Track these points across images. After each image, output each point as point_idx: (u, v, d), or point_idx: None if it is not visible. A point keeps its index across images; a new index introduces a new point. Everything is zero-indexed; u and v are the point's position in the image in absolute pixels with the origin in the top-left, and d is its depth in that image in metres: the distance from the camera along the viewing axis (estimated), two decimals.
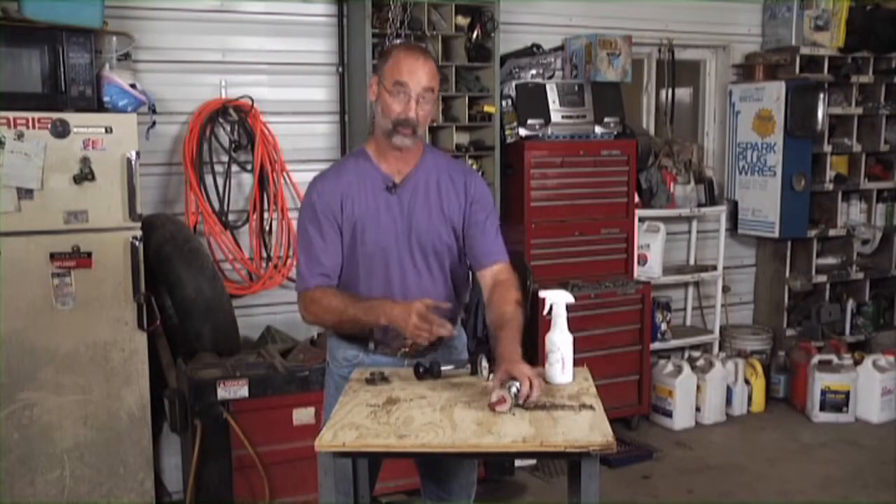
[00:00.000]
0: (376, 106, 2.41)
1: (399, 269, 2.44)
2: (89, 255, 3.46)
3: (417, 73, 2.33)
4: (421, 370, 2.33)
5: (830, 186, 5.57)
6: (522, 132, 4.57)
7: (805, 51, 5.39)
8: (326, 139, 4.50)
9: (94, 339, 3.50)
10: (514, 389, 2.08)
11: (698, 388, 4.99)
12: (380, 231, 2.42)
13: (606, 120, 4.77)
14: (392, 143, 2.39)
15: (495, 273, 2.48)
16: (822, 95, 5.31)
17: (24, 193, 3.33)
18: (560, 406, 2.12)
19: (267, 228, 4.33)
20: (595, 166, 4.75)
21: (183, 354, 3.75)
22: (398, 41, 4.13)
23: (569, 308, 2.33)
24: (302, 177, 4.30)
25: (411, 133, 2.37)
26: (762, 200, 5.43)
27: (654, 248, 5.07)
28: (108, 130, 3.45)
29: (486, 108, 4.48)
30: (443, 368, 2.35)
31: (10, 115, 3.28)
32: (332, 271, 2.43)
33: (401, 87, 2.32)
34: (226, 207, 4.23)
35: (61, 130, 3.37)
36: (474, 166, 4.50)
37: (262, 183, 4.29)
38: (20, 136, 3.30)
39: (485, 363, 2.31)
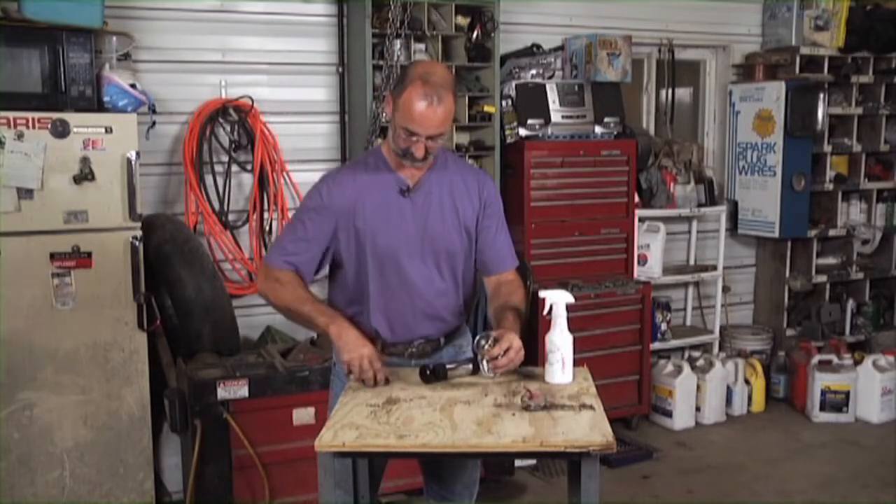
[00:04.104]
0: (391, 124, 2.36)
1: (409, 273, 2.44)
2: (89, 255, 3.45)
3: (428, 123, 2.25)
4: (428, 373, 2.33)
5: (830, 186, 5.57)
6: (522, 132, 4.56)
7: (805, 51, 5.38)
8: (326, 139, 4.49)
9: (94, 339, 3.50)
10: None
11: (698, 388, 4.99)
12: (391, 234, 2.41)
13: (606, 120, 4.77)
14: (402, 161, 2.38)
15: (503, 276, 2.56)
16: (821, 95, 5.31)
17: (24, 193, 3.33)
18: (560, 406, 2.12)
19: (267, 228, 4.32)
20: (595, 166, 4.75)
21: (183, 354, 3.75)
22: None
23: (569, 308, 2.33)
24: (302, 177, 4.30)
25: (417, 161, 2.35)
26: (762, 200, 5.43)
27: (654, 248, 5.07)
28: (108, 130, 3.44)
29: (486, 108, 4.47)
30: (448, 367, 2.35)
31: (10, 115, 3.28)
32: (302, 263, 2.42)
33: (410, 133, 2.28)
34: (226, 207, 4.23)
35: (61, 130, 3.36)
36: (475, 166, 4.50)
37: (262, 183, 4.29)
38: (20, 136, 3.29)
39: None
